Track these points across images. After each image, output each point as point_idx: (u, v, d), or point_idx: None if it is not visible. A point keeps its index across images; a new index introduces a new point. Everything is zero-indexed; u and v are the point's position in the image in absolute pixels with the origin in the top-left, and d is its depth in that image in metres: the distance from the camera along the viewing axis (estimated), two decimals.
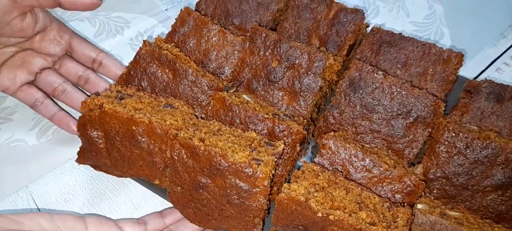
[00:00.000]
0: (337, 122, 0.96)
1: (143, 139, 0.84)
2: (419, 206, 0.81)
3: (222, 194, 0.79)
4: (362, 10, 1.06)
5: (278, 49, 0.98)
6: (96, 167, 0.97)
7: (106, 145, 0.90)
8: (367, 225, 0.71)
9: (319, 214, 0.71)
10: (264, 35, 1.00)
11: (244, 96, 1.00)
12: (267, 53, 0.99)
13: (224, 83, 1.02)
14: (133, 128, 0.84)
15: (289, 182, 0.79)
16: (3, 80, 1.03)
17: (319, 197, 0.75)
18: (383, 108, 0.92)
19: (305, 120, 0.96)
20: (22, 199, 1.02)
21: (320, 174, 0.81)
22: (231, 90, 0.98)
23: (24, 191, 1.03)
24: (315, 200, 0.74)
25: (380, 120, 0.93)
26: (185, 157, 0.81)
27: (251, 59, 1.01)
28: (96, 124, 0.89)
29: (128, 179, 1.03)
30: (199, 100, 0.98)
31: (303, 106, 0.97)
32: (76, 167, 1.06)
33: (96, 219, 0.85)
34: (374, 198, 0.79)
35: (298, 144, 0.89)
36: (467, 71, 1.21)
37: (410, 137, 0.91)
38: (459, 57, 0.98)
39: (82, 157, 0.96)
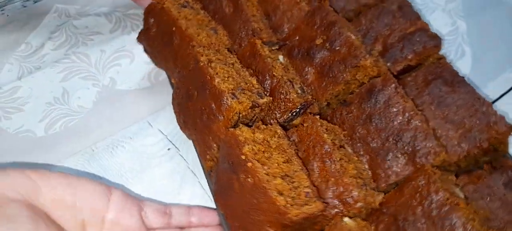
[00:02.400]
0: (342, 118, 0.96)
1: (176, 40, 1.01)
2: (346, 219, 0.79)
3: (199, 109, 0.90)
4: (440, 38, 1.01)
5: (329, 30, 1.00)
6: (146, 50, 1.18)
7: (156, 33, 1.08)
8: (274, 191, 0.74)
9: (243, 156, 0.77)
10: (325, 13, 1.02)
11: (280, 57, 1.03)
12: (318, 30, 1.01)
13: (272, 39, 1.08)
14: (173, 28, 1.01)
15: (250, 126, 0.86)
16: None
17: (257, 148, 0.80)
18: (385, 127, 0.90)
19: (315, 101, 0.98)
20: None
21: (277, 136, 0.86)
22: (270, 46, 1.03)
23: None
24: (251, 148, 0.79)
25: (376, 136, 0.90)
26: (191, 66, 0.93)
27: (304, 29, 1.04)
28: (155, 14, 1.07)
29: (130, 178, 1.03)
30: (241, 40, 1.07)
31: (321, 90, 0.98)
32: (80, 163, 1.07)
33: (122, 195, 0.82)
34: (305, 181, 0.80)
35: (289, 112, 0.94)
36: (487, 92, 1.16)
37: (393, 168, 0.87)
38: (504, 133, 0.87)
39: (140, 37, 1.16)
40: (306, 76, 1.02)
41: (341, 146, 0.90)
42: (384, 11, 1.07)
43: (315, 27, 1.02)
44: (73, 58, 1.29)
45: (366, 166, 0.90)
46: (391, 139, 0.88)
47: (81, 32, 1.36)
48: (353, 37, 0.98)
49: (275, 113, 0.95)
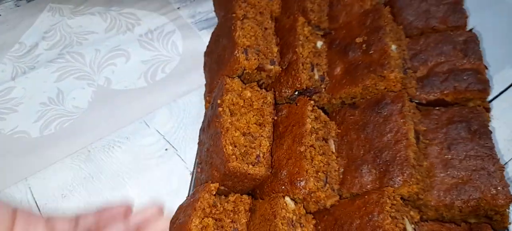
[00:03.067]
0: (343, 118, 0.96)
1: None
2: (288, 199, 0.83)
3: (219, 53, 1.05)
4: (490, 86, 0.96)
5: (372, 33, 1.00)
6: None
7: None
8: (228, 139, 0.83)
9: (219, 101, 0.86)
10: (377, 16, 1.02)
11: (319, 42, 1.06)
12: (364, 30, 1.02)
13: (322, 24, 1.14)
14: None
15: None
16: None
17: (236, 100, 0.89)
18: (373, 139, 0.89)
19: (326, 94, 1.01)
20: (21, 191, 1.03)
21: (263, 101, 0.92)
22: (315, 30, 1.10)
23: (23, 183, 1.04)
24: (231, 98, 0.88)
25: (362, 145, 0.89)
26: (229, 14, 1.03)
27: (353, 25, 1.05)
28: None
29: (126, 178, 1.03)
30: (290, 14, 1.14)
31: (340, 86, 0.99)
32: (75, 164, 1.06)
33: (27, 214, 0.83)
34: (265, 148, 0.87)
35: (294, 90, 0.99)
36: None
37: (362, 179, 0.86)
38: (501, 205, 0.81)
39: None
40: (334, 69, 1.03)
41: (324, 139, 0.91)
42: (447, 40, 1.02)
43: (363, 26, 1.03)
44: (67, 57, 1.27)
45: (341, 169, 0.90)
46: (372, 152, 0.87)
47: (76, 31, 1.35)
48: (391, 47, 0.96)
49: (283, 87, 1.00)
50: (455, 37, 1.03)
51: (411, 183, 0.81)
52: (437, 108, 0.95)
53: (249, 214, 0.84)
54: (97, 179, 1.05)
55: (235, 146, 0.83)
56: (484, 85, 0.96)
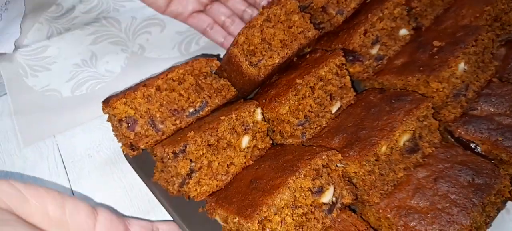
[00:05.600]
0: (366, 96, 0.98)
1: None
2: (258, 111, 0.89)
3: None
4: None
5: (452, 45, 0.94)
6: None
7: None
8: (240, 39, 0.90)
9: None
10: (470, 33, 0.95)
11: (404, 30, 1.05)
12: (448, 39, 0.98)
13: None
14: None
15: None
16: (177, 6, 1.16)
17: (279, 13, 0.93)
18: (367, 119, 0.89)
19: (370, 71, 1.02)
20: (48, 147, 1.04)
21: (299, 28, 0.95)
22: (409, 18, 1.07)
23: (51, 140, 1.04)
24: (275, 10, 0.92)
25: (356, 119, 0.91)
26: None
27: (446, 32, 1.02)
28: None
29: None
30: None
31: (388, 72, 1.00)
32: (104, 125, 1.05)
33: (108, 216, 0.79)
34: (274, 61, 0.91)
35: (340, 44, 1.01)
36: None
37: (330, 142, 0.89)
38: None
39: None
40: (397, 58, 1.02)
41: (331, 95, 0.93)
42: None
43: (453, 36, 0.97)
44: (103, 22, 1.28)
45: (326, 129, 0.92)
46: (355, 128, 0.88)
47: None
48: (459, 64, 0.91)
49: (336, 40, 1.02)
50: None
51: (361, 165, 0.79)
52: (462, 148, 0.89)
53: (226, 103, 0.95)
54: None
55: (248, 41, 0.90)
56: None
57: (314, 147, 0.84)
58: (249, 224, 0.70)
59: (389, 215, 0.80)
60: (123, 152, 0.90)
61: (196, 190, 0.81)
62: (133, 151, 0.87)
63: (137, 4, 1.33)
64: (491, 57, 0.98)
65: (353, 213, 0.82)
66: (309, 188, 0.76)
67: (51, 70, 1.18)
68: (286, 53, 0.92)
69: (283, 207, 0.73)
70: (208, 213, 0.83)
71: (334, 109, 0.94)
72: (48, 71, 1.17)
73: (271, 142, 0.91)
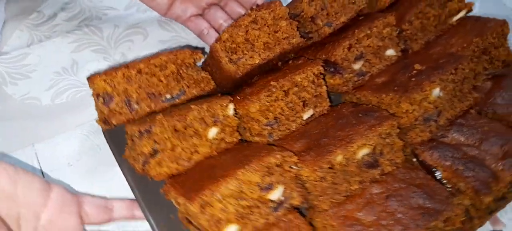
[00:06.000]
0: (340, 109, 1.00)
1: None
2: (232, 105, 0.92)
3: None
4: (487, 194, 0.85)
5: (432, 70, 0.94)
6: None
7: None
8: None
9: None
10: (452, 60, 0.96)
11: (390, 50, 1.05)
12: (430, 64, 0.98)
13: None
14: None
15: None
16: (177, 10, 1.21)
17: (267, 17, 0.95)
18: (333, 129, 0.92)
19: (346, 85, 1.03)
20: (27, 156, 1.02)
21: (284, 34, 0.97)
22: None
23: (30, 149, 1.03)
24: (263, 13, 0.95)
25: (323, 128, 0.93)
26: None
27: (431, 57, 1.03)
28: None
29: None
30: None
31: (366, 88, 1.02)
32: (84, 134, 1.05)
33: (61, 193, 0.80)
34: (254, 62, 0.94)
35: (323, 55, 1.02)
36: None
37: (293, 146, 0.91)
38: None
39: None
40: (379, 77, 1.03)
41: (304, 102, 0.95)
42: (505, 139, 0.91)
43: (436, 62, 0.98)
44: (85, 30, 1.26)
45: (293, 127, 0.95)
46: (319, 135, 0.90)
47: (96, 6, 1.33)
48: (433, 89, 0.91)
49: (320, 50, 1.03)
50: None
51: (313, 170, 0.81)
52: (423, 172, 0.90)
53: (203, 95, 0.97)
54: (105, 150, 1.03)
55: (232, 38, 0.93)
56: (484, 190, 0.84)
57: (275, 147, 0.87)
58: (190, 205, 0.74)
59: (334, 223, 0.82)
60: (99, 125, 0.93)
61: (156, 170, 0.85)
62: (106, 126, 0.91)
63: (120, 12, 1.33)
64: (471, 88, 0.98)
65: (301, 216, 0.84)
66: (258, 183, 0.79)
67: (31, 78, 1.16)
68: (268, 56, 0.95)
69: (227, 196, 0.76)
70: (165, 194, 0.86)
71: (305, 116, 0.96)
72: (28, 79, 1.15)
73: (239, 137, 0.94)
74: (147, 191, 0.90)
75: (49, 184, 0.78)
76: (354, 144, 0.83)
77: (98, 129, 1.05)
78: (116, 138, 0.97)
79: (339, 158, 0.82)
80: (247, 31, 0.94)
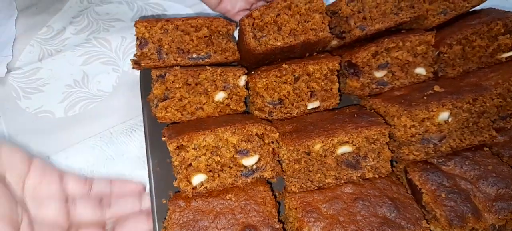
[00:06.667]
0: (348, 108, 1.02)
1: None
2: (244, 77, 0.98)
3: None
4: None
5: (450, 95, 0.91)
6: None
7: None
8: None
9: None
10: (479, 95, 0.91)
11: (420, 68, 1.04)
12: (454, 89, 0.95)
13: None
14: None
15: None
16: (226, 4, 1.28)
17: (301, 5, 0.99)
18: (325, 121, 0.95)
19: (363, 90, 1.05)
20: None
21: (314, 25, 0.99)
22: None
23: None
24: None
25: (317, 117, 0.97)
26: None
27: (460, 84, 0.99)
28: None
29: (146, 165, 1.03)
30: None
31: (383, 98, 1.01)
32: (97, 145, 1.08)
33: (42, 163, 0.85)
34: (277, 42, 0.97)
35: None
36: None
37: (283, 126, 0.95)
38: None
39: None
40: (399, 89, 1.03)
41: (312, 91, 0.99)
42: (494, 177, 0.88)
43: (464, 89, 0.93)
44: (94, 43, 1.29)
45: (295, 113, 0.99)
46: (310, 122, 0.94)
47: (103, 18, 1.36)
48: (442, 112, 0.87)
49: (349, 51, 1.05)
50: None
51: (289, 150, 0.85)
52: (405, 189, 0.89)
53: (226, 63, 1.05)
54: (118, 160, 1.06)
55: (262, 17, 0.97)
56: (458, 223, 0.82)
57: (263, 120, 0.93)
58: (168, 144, 0.83)
59: (296, 205, 0.85)
60: (131, 64, 1.02)
61: (161, 113, 0.95)
62: (136, 66, 1.01)
63: (127, 24, 1.36)
64: (491, 126, 0.92)
65: (270, 191, 0.89)
66: (234, 144, 0.86)
67: (44, 91, 1.19)
68: (291, 42, 0.98)
69: (203, 147, 0.84)
70: (162, 136, 0.94)
71: (310, 106, 1.00)
72: (40, 93, 1.18)
73: (244, 108, 1.01)
74: (155, 134, 0.98)
75: (31, 154, 0.83)
76: (334, 138, 0.85)
77: (110, 139, 1.09)
78: (147, 81, 1.07)
79: (317, 147, 0.85)
80: (278, 14, 0.98)
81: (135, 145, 1.08)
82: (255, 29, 0.98)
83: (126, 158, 1.06)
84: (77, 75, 1.22)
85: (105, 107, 1.15)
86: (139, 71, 1.10)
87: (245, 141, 0.86)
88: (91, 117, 1.14)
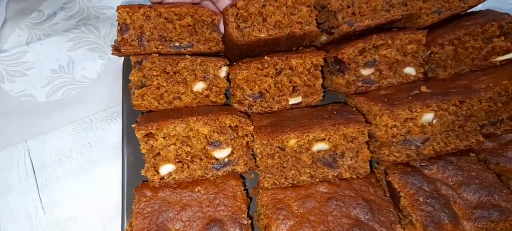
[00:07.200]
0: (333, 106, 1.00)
1: None
2: (226, 68, 0.96)
3: None
4: None
5: (440, 95, 0.89)
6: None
7: None
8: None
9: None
10: (468, 99, 0.88)
11: (410, 68, 0.99)
12: (436, 90, 0.92)
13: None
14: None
15: None
16: None
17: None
18: (305, 116, 0.93)
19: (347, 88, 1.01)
20: (19, 151, 1.04)
21: (302, 19, 0.96)
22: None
23: (23, 145, 1.04)
24: None
25: (298, 113, 0.95)
26: None
27: (448, 87, 0.96)
28: None
29: (120, 150, 1.01)
30: None
31: (367, 95, 0.98)
32: (76, 131, 1.06)
33: None
34: (261, 35, 0.93)
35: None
36: None
37: (260, 120, 0.94)
38: None
39: None
40: (386, 89, 0.99)
41: (294, 86, 0.96)
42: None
43: (451, 88, 0.92)
44: (82, 29, 1.27)
45: (276, 108, 0.96)
46: (291, 117, 0.91)
47: (94, 5, 1.35)
48: (426, 113, 0.85)
49: (336, 47, 1.01)
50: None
51: (262, 144, 0.82)
52: (383, 191, 0.86)
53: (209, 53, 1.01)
54: (95, 148, 1.05)
55: (247, 7, 0.94)
56: (433, 229, 0.78)
57: (238, 112, 0.90)
58: (136, 132, 0.82)
59: (267, 202, 0.82)
60: (111, 50, 1.00)
61: (137, 100, 0.93)
62: (117, 52, 0.99)
63: None
64: (478, 130, 0.89)
65: (242, 186, 0.86)
66: (206, 136, 0.83)
67: (29, 75, 1.18)
68: (276, 34, 0.95)
69: (172, 136, 0.82)
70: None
71: (292, 101, 0.96)
72: (25, 76, 1.17)
73: (225, 100, 0.98)
74: (132, 122, 0.93)
75: None
76: (310, 134, 0.82)
77: (90, 126, 1.08)
78: (130, 69, 1.03)
79: (292, 142, 0.82)
80: (264, 5, 0.95)
81: (114, 133, 1.06)
82: (239, 19, 0.95)
83: (105, 145, 1.04)
84: (62, 60, 1.21)
85: (88, 94, 1.14)
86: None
87: (218, 133, 0.84)
88: (72, 102, 1.13)
